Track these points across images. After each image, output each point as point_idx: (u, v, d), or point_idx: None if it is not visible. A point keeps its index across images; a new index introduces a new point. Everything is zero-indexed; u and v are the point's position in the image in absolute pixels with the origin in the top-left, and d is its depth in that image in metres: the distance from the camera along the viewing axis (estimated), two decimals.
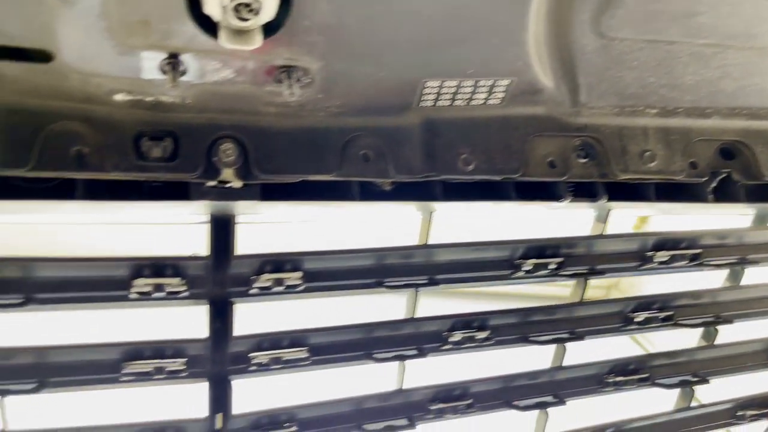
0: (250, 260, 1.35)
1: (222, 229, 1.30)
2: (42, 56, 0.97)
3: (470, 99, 1.23)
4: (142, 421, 1.37)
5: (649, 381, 1.75)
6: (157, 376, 1.34)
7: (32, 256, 1.19)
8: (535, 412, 1.70)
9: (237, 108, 1.15)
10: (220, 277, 1.36)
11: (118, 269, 1.27)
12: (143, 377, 1.34)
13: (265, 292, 1.40)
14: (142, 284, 1.28)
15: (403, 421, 1.56)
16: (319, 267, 1.41)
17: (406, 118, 1.24)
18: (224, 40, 0.94)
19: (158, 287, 1.29)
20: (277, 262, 1.39)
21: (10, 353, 1.24)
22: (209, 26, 0.97)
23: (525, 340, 1.61)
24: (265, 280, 1.38)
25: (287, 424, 1.49)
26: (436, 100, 1.22)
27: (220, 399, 1.40)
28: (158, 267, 1.30)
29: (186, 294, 1.33)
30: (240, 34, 0.95)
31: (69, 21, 0.92)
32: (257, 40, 0.96)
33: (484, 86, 1.21)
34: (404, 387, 1.56)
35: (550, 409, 1.67)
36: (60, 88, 1.03)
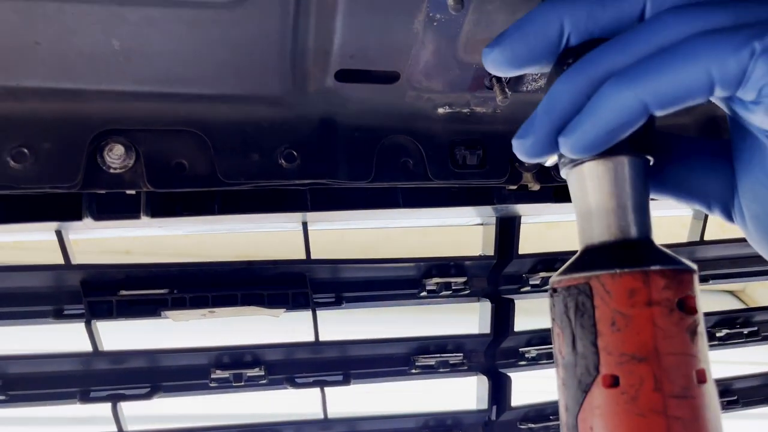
0: (530, 260, 1.40)
1: (508, 230, 1.36)
2: (389, 78, 1.06)
3: None
4: (425, 411, 1.46)
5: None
6: (441, 370, 1.43)
7: (342, 258, 1.30)
8: None
9: None
10: (497, 276, 1.43)
11: (411, 270, 1.37)
12: (428, 370, 1.43)
13: (536, 289, 1.45)
14: (432, 283, 1.37)
15: None
16: None
17: None
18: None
19: (445, 285, 1.38)
20: (548, 261, 1.43)
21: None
22: None
23: None
24: (538, 278, 1.43)
25: (552, 417, 1.53)
26: None
27: (497, 391, 1.46)
28: (446, 267, 1.38)
29: (468, 292, 1.41)
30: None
31: (426, 44, 1.00)
32: None
33: None
34: None
35: None
36: (394, 105, 1.12)
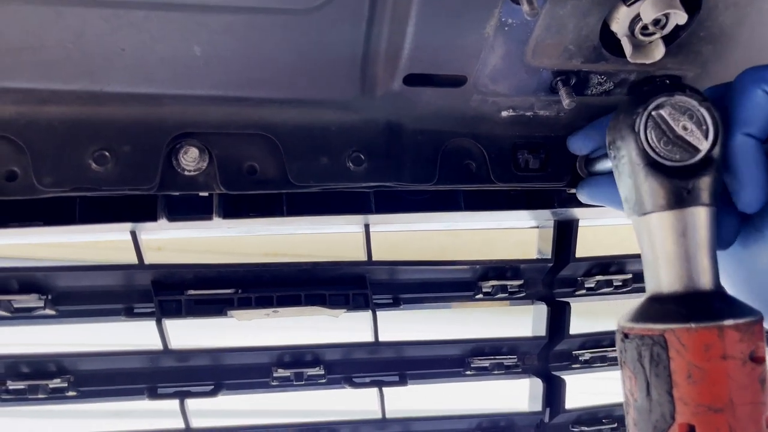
0: (585, 263, 1.40)
1: (565, 233, 1.37)
2: (456, 81, 1.07)
3: None
4: (479, 412, 1.47)
5: None
6: (495, 372, 1.44)
7: (402, 260, 1.31)
8: None
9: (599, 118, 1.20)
10: (552, 279, 1.43)
11: (467, 272, 1.38)
12: (483, 372, 1.44)
13: (591, 292, 1.45)
14: (488, 285, 1.38)
15: None
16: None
17: None
18: (631, 56, 0.99)
19: (501, 288, 1.38)
20: (604, 265, 1.43)
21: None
22: (609, 42, 1.03)
23: None
24: (593, 281, 1.43)
25: (605, 420, 1.53)
26: None
27: (551, 394, 1.46)
28: (502, 269, 1.39)
29: (523, 294, 1.41)
30: (642, 48, 1.00)
31: (496, 48, 1.01)
32: (660, 53, 1.00)
33: None
34: None
35: None
36: (459, 109, 1.13)
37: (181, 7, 0.87)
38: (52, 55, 0.89)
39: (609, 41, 1.03)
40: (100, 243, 1.21)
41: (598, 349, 1.49)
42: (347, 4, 0.92)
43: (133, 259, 1.15)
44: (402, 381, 1.37)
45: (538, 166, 1.19)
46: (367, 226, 1.27)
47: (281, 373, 1.27)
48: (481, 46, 1.01)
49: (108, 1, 0.83)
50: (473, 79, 1.08)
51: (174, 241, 1.28)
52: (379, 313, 1.34)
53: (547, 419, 1.48)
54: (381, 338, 1.32)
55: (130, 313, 1.18)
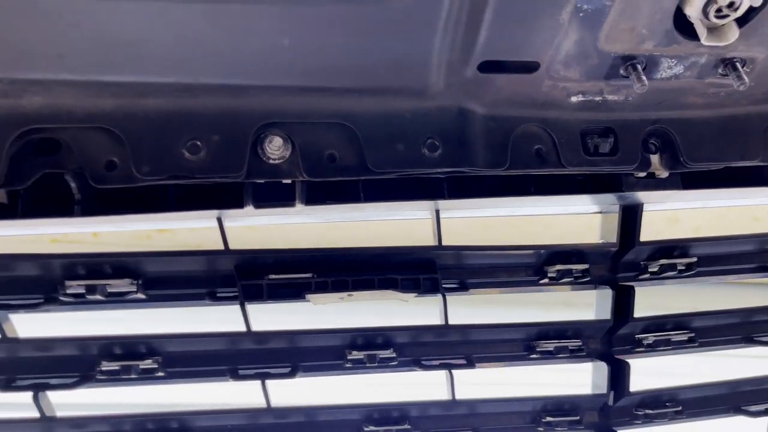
0: (649, 247, 1.41)
1: (630, 218, 1.38)
2: (529, 68, 1.10)
3: None
4: (544, 395, 1.49)
5: None
6: (560, 355, 1.46)
7: (470, 245, 1.34)
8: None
9: (668, 102, 1.22)
10: (616, 263, 1.44)
11: (532, 257, 1.40)
12: (548, 356, 1.46)
13: (655, 276, 1.46)
14: (554, 270, 1.40)
15: None
16: (710, 252, 1.45)
17: None
18: (705, 38, 1.01)
19: (566, 272, 1.40)
20: (667, 249, 1.44)
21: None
22: (681, 26, 1.04)
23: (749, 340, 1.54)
24: (656, 265, 1.44)
25: (669, 403, 1.54)
26: None
27: (615, 377, 1.48)
28: (567, 254, 1.41)
29: (587, 279, 1.43)
30: (716, 30, 1.02)
31: (570, 34, 1.03)
32: (733, 35, 1.01)
33: None
34: None
35: None
36: (530, 95, 1.15)
37: (275, 1, 0.91)
38: (153, 50, 0.94)
39: (681, 24, 1.05)
40: (179, 231, 1.26)
41: (662, 332, 1.50)
42: None
43: (215, 246, 1.20)
44: (470, 364, 1.40)
45: (608, 150, 1.21)
46: (437, 212, 1.30)
47: (355, 355, 1.31)
48: (555, 32, 1.03)
49: None
50: (546, 65, 1.10)
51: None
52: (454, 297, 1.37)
53: (611, 402, 1.50)
54: (450, 322, 1.35)
55: (213, 297, 1.23)
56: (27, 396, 1.16)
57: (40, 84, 0.95)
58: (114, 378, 1.19)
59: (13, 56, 0.90)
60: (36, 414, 1.18)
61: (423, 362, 1.37)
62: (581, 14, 1.01)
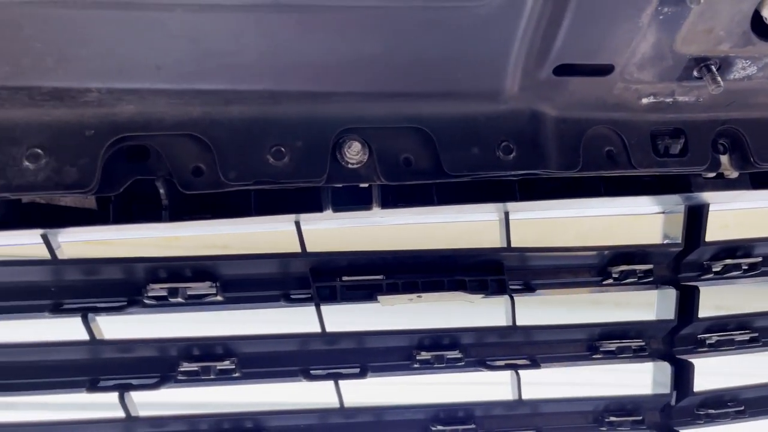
0: (712, 247, 1.41)
1: (695, 218, 1.38)
2: (603, 70, 1.11)
3: None
4: (605, 395, 1.50)
5: None
6: (623, 355, 1.46)
7: (537, 246, 1.36)
8: None
9: (738, 102, 1.22)
10: (678, 263, 1.45)
11: (595, 258, 1.41)
12: (610, 356, 1.47)
13: (719, 276, 1.46)
14: (617, 270, 1.40)
15: None
16: None
17: None
18: None
19: (630, 273, 1.41)
20: (731, 249, 1.44)
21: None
22: (759, 28, 1.05)
23: None
24: (720, 265, 1.44)
25: (731, 403, 1.54)
26: None
27: (679, 377, 1.48)
28: (630, 254, 1.42)
29: (650, 279, 1.44)
30: None
31: (648, 36, 1.04)
32: None
33: None
34: None
35: None
36: (601, 97, 1.16)
37: (365, 9, 0.93)
38: (245, 59, 0.96)
39: (757, 26, 1.05)
40: (255, 234, 1.29)
41: (725, 332, 1.50)
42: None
43: (290, 248, 1.22)
44: (534, 364, 1.41)
45: (678, 151, 1.21)
46: (506, 214, 1.31)
47: (423, 356, 1.33)
48: (634, 34, 1.04)
49: (302, 5, 0.90)
50: (620, 67, 1.11)
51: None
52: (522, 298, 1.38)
53: (673, 402, 1.50)
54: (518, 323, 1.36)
55: (288, 299, 1.25)
56: (112, 396, 1.19)
57: (135, 93, 0.98)
58: (194, 378, 1.22)
59: (113, 67, 0.93)
60: (121, 414, 1.21)
61: (488, 362, 1.39)
62: (661, 17, 1.02)
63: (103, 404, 1.22)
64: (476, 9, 0.96)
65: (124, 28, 0.88)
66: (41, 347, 1.19)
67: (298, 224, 1.21)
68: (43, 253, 1.13)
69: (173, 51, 0.93)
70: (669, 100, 1.20)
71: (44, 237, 1.11)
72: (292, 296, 1.25)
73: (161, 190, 1.07)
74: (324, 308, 1.30)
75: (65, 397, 1.20)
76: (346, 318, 1.45)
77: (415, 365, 1.34)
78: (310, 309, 1.31)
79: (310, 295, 1.25)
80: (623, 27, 1.03)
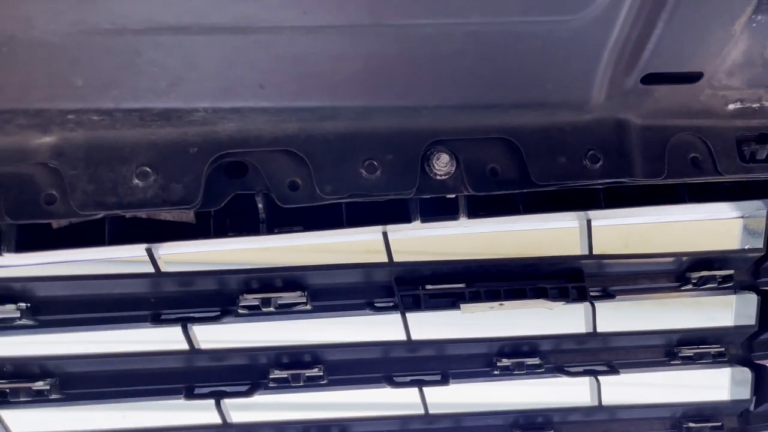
0: None
1: None
2: (691, 78, 1.11)
3: None
4: (682, 401, 1.49)
5: None
6: (701, 361, 1.45)
7: (620, 253, 1.36)
8: None
9: None
10: (758, 269, 1.43)
11: (673, 263, 1.40)
12: (688, 362, 1.46)
13: None
14: (696, 276, 1.40)
15: None
16: None
17: None
18: None
19: (709, 278, 1.40)
20: None
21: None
22: None
23: None
24: None
25: None
26: None
27: (759, 383, 1.47)
28: (709, 260, 1.41)
29: (730, 284, 1.42)
30: None
31: (739, 44, 1.04)
32: None
33: None
34: None
35: None
36: (686, 104, 1.16)
37: (460, 25, 0.95)
38: (343, 76, 0.99)
39: None
40: (340, 243, 1.31)
41: None
42: (606, 10, 0.97)
43: (376, 257, 1.25)
44: (613, 370, 1.41)
45: (765, 157, 1.21)
46: (588, 221, 1.32)
47: (504, 362, 1.34)
48: (725, 42, 1.04)
49: (401, 24, 0.92)
50: (709, 74, 1.11)
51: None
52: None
53: (752, 408, 1.49)
54: (599, 329, 1.37)
55: (372, 307, 1.28)
56: (209, 403, 1.23)
57: (237, 112, 1.01)
58: (284, 386, 1.26)
59: (220, 87, 0.96)
60: (218, 420, 1.25)
61: (567, 369, 1.39)
62: (754, 24, 1.02)
63: (200, 410, 1.26)
64: (570, 22, 0.97)
65: (234, 51, 0.92)
66: (141, 357, 1.23)
67: (385, 234, 1.24)
68: (142, 266, 1.18)
69: (277, 71, 0.96)
70: (756, 105, 1.19)
71: (149, 251, 1.15)
72: (377, 304, 1.28)
73: (260, 205, 1.10)
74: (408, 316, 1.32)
75: (163, 403, 1.25)
76: (425, 326, 1.48)
77: (496, 372, 1.36)
78: (393, 317, 1.33)
79: (393, 303, 1.27)
80: (715, 35, 1.03)
